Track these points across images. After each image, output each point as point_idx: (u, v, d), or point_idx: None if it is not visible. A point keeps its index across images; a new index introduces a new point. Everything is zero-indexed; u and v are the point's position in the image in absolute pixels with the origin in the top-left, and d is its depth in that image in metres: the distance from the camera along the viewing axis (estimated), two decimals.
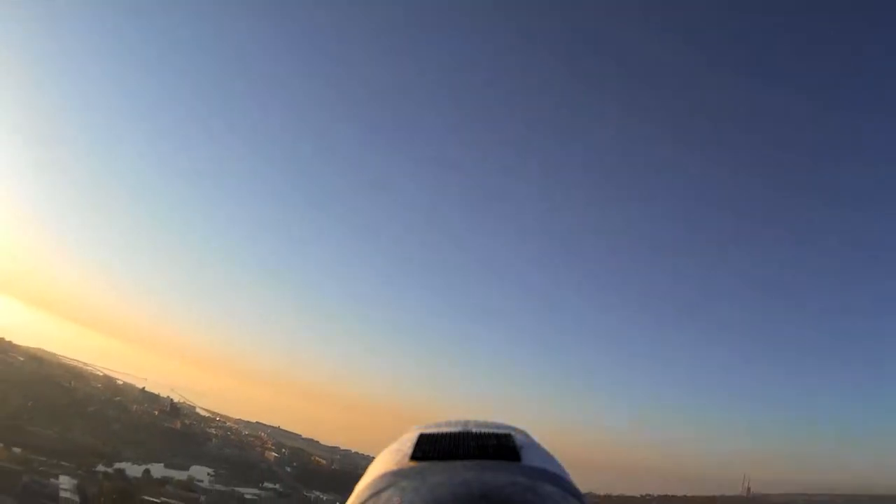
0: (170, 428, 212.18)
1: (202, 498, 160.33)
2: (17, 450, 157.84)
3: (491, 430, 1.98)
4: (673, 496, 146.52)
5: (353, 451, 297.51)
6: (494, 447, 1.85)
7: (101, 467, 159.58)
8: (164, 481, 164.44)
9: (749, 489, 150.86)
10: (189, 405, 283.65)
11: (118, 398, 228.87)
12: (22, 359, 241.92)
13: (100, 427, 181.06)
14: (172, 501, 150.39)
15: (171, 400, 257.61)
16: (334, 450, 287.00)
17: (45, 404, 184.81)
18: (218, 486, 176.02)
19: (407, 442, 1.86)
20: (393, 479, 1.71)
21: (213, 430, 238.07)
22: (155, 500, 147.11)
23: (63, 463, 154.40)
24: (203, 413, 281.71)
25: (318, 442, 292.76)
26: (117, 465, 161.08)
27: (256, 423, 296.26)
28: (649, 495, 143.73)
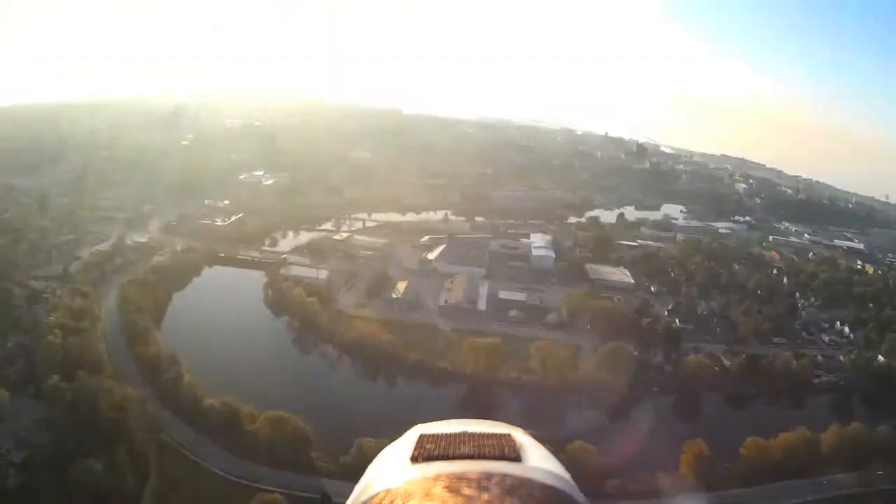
0: (639, 169, 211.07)
1: (680, 236, 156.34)
2: (479, 219, 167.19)
3: (491, 430, 2.27)
4: None
5: (814, 180, 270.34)
6: (495, 447, 2.13)
7: (572, 219, 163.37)
8: (639, 223, 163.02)
9: None
10: (653, 144, 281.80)
11: (581, 147, 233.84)
12: (471, 129, 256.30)
13: (566, 179, 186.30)
14: (648, 243, 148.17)
15: (637, 141, 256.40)
16: (797, 178, 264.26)
17: (504, 168, 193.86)
18: (693, 223, 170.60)
19: (407, 442, 2.25)
20: (393, 479, 2.04)
21: (681, 167, 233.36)
22: (630, 243, 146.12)
23: (532, 221, 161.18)
24: (668, 150, 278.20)
25: (782, 171, 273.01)
26: (589, 214, 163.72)
27: (721, 155, 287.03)
28: None
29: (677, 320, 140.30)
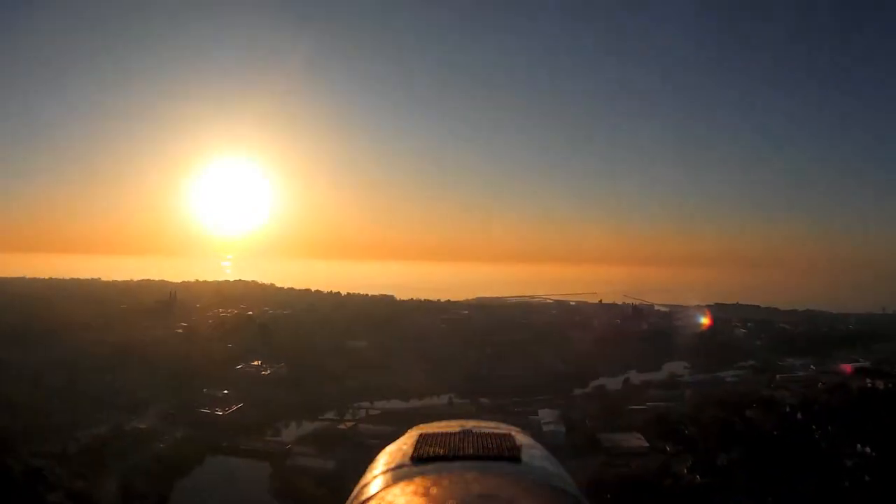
0: (636, 332, 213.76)
1: (687, 392, 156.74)
2: (484, 400, 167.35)
3: (491, 431, 2.23)
4: None
5: (809, 309, 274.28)
6: (495, 447, 2.08)
7: (577, 390, 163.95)
8: (645, 385, 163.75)
9: None
10: (646, 304, 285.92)
11: (577, 318, 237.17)
12: (466, 311, 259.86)
13: (566, 351, 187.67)
14: (658, 403, 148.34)
15: (632, 305, 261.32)
16: (794, 312, 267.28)
17: (503, 348, 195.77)
18: (698, 376, 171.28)
19: (408, 442, 2.22)
20: (393, 479, 2.00)
21: (679, 322, 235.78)
22: (639, 406, 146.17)
23: (537, 397, 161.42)
24: (663, 309, 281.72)
25: (777, 309, 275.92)
26: (594, 384, 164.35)
27: (715, 304, 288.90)
28: None
29: (698, 476, 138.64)
